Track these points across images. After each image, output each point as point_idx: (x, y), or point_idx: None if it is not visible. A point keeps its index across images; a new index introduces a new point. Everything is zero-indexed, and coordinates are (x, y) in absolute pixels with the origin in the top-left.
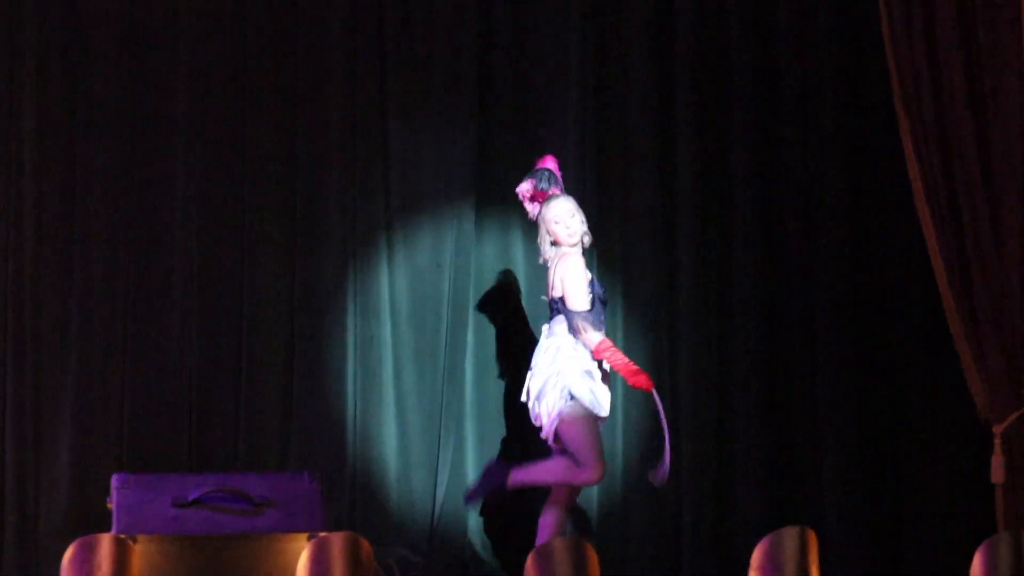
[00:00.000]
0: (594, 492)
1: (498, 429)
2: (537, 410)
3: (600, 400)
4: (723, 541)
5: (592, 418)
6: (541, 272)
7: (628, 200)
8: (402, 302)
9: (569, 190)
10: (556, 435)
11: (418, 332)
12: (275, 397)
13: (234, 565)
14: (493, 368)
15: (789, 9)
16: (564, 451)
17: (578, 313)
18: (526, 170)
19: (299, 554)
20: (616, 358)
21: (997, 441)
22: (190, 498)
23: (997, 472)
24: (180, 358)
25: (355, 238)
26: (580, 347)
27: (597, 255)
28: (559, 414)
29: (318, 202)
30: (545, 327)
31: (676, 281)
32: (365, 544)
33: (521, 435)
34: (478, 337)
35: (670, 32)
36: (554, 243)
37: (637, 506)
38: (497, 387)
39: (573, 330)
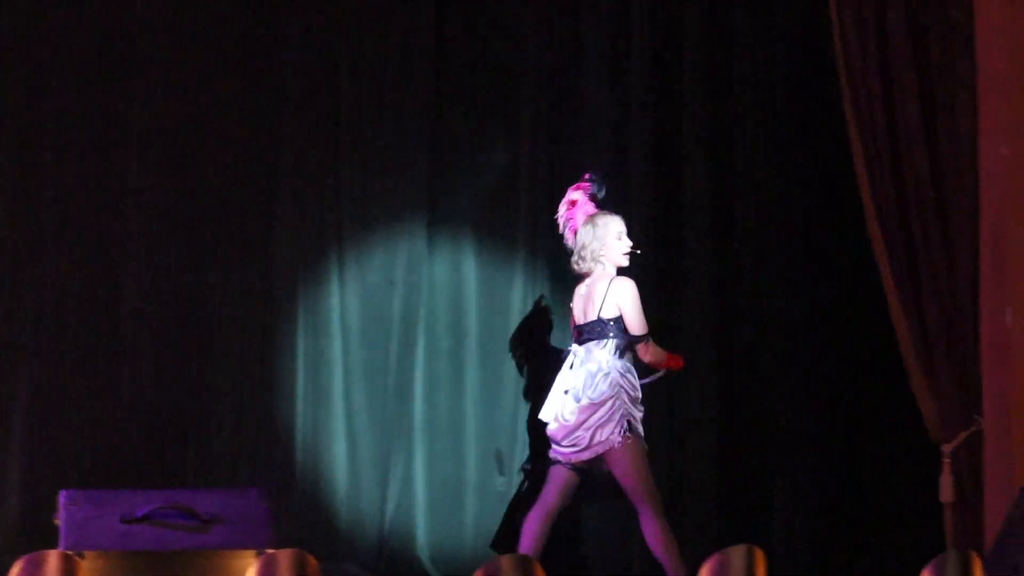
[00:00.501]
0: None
1: (448, 445)
2: (580, 435)
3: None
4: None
5: (644, 449)
6: (494, 290)
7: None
8: (352, 319)
9: (519, 208)
10: (594, 461)
11: (368, 349)
12: (225, 414)
13: None
14: (443, 384)
15: (744, 28)
16: (589, 474)
17: (642, 336)
18: (478, 188)
19: (246, 571)
20: (673, 359)
21: (946, 460)
22: (138, 514)
23: (946, 491)
24: (130, 375)
25: (306, 255)
26: (631, 372)
27: (549, 276)
28: (619, 444)
29: (269, 218)
30: (578, 349)
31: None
32: (312, 561)
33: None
34: (428, 354)
35: (625, 57)
36: (594, 260)
37: (587, 524)
38: (449, 403)
39: (624, 352)
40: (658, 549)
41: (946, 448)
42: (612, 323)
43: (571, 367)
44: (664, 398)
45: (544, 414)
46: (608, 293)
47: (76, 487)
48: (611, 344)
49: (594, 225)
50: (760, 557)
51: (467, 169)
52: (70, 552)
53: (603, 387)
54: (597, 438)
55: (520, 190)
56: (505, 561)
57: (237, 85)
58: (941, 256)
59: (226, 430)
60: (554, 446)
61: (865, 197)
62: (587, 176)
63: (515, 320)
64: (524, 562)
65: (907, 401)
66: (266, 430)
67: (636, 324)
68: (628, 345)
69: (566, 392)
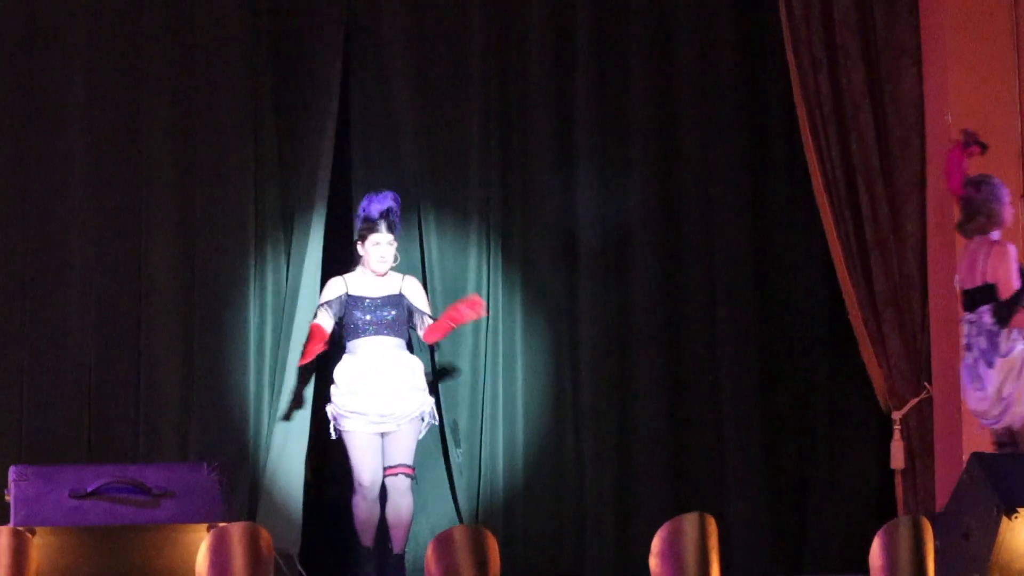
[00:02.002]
0: (500, 479)
1: None
2: (1003, 408)
3: None
4: (624, 528)
5: None
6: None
7: (529, 209)
8: (304, 292)
9: (472, 200)
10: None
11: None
12: (174, 389)
13: (133, 556)
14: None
15: None
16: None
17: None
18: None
19: (199, 545)
20: None
21: (897, 427)
22: (88, 489)
23: (897, 458)
24: (78, 349)
25: (256, 231)
26: None
27: (503, 262)
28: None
29: (218, 194)
30: (972, 316)
31: (577, 277)
32: (265, 534)
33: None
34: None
35: (571, 27)
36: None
37: (540, 493)
38: None
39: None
40: None
41: (896, 415)
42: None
43: None
44: (616, 370)
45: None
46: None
47: (26, 462)
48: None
49: (992, 195)
50: (712, 524)
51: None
52: (21, 528)
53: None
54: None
55: (471, 182)
56: (458, 531)
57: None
58: (888, 224)
59: (176, 405)
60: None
61: (811, 165)
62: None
63: (471, 289)
64: (476, 533)
65: (857, 369)
66: (216, 405)
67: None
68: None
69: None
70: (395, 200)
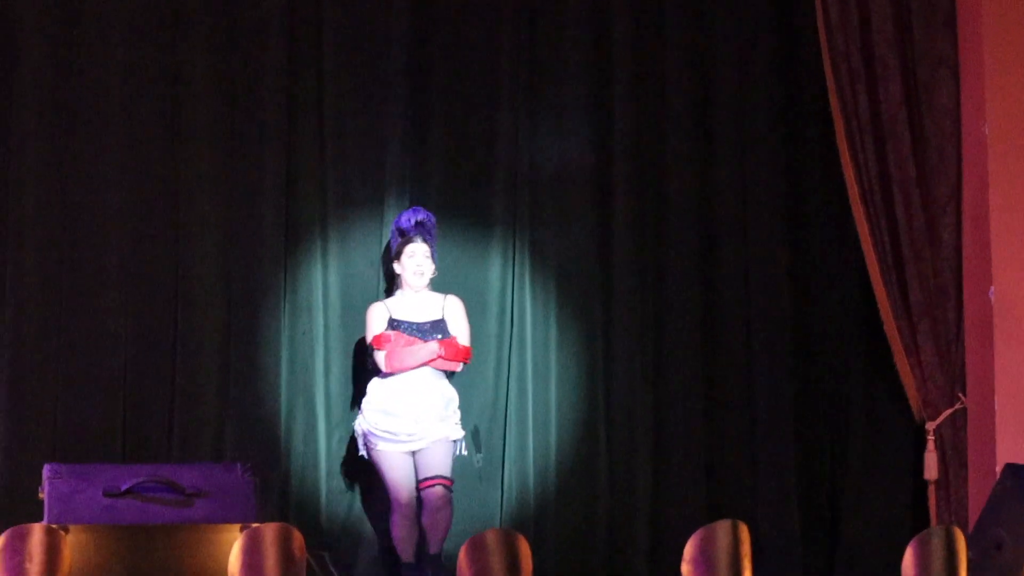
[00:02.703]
0: (530, 485)
1: None
2: None
3: None
4: (656, 534)
5: None
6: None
7: (564, 207)
8: (334, 298)
9: (503, 198)
10: None
11: (349, 329)
12: (209, 389)
13: (166, 555)
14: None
15: (726, 6)
16: None
17: None
18: (460, 170)
19: (231, 545)
20: None
21: (930, 438)
22: (122, 488)
23: (930, 468)
24: (113, 349)
25: (290, 234)
26: None
27: (529, 261)
28: None
29: (254, 197)
30: None
31: (612, 281)
32: (298, 535)
33: None
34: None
35: (606, 32)
36: None
37: (572, 499)
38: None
39: None
40: None
41: (930, 426)
42: None
43: None
44: (651, 379)
45: None
46: None
47: (60, 461)
48: None
49: None
50: (745, 531)
51: (449, 151)
52: (54, 526)
53: None
54: None
55: (501, 178)
56: (490, 534)
57: (223, 63)
58: (923, 234)
59: (210, 406)
60: None
61: (848, 176)
62: None
63: (493, 299)
64: (509, 536)
65: (891, 379)
66: (250, 406)
67: None
68: None
69: None
70: (427, 213)
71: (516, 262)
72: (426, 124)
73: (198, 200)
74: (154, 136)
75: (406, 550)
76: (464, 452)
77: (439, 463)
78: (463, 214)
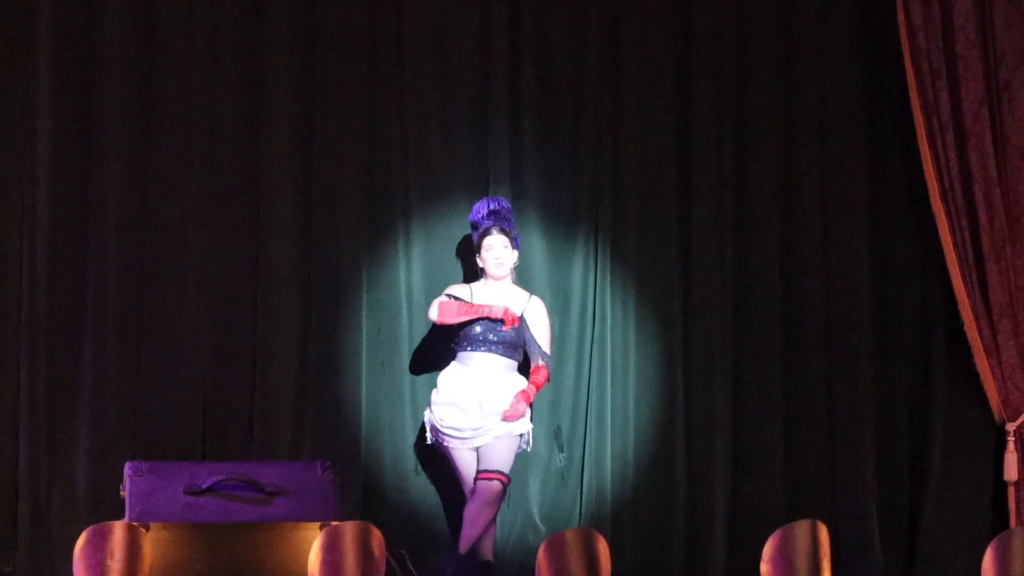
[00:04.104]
0: (607, 484)
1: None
2: None
3: None
4: (734, 534)
5: None
6: (556, 265)
7: (644, 207)
8: (417, 294)
9: (586, 191)
10: None
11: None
12: (289, 387)
13: (246, 553)
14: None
15: (809, 5)
16: None
17: None
18: (547, 162)
19: (311, 543)
20: None
21: (1011, 439)
22: (203, 486)
23: (1010, 470)
24: (194, 347)
25: (372, 229)
26: None
27: (611, 256)
28: None
29: (335, 192)
30: None
31: (691, 282)
32: (377, 533)
33: None
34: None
35: (689, 43)
36: None
37: (650, 498)
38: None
39: None
40: None
41: (1010, 427)
42: None
43: None
44: (730, 377)
45: None
46: None
47: (141, 459)
48: None
49: None
50: (824, 532)
51: (534, 143)
52: (135, 523)
53: None
54: None
55: (585, 170)
56: (569, 534)
57: (304, 60)
58: (1004, 234)
59: (290, 404)
60: None
61: (928, 175)
62: None
63: (576, 299)
64: (588, 536)
65: (971, 380)
66: (330, 404)
67: None
68: None
69: None
70: (500, 201)
71: (598, 262)
72: (509, 120)
73: (278, 200)
74: (234, 136)
75: (478, 546)
76: (529, 446)
77: (500, 459)
78: (547, 212)
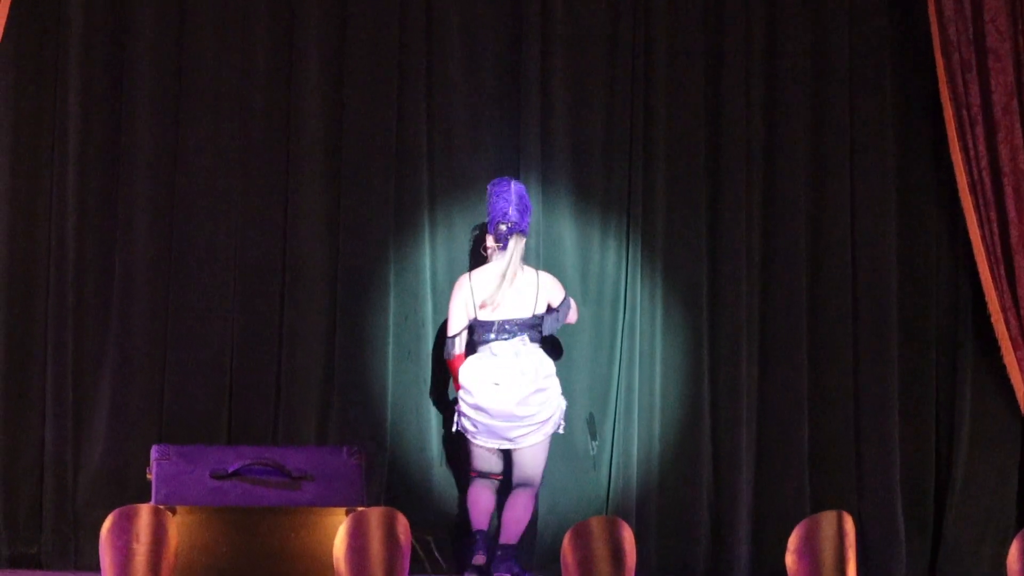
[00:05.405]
0: (633, 473)
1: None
2: None
3: None
4: (760, 524)
5: None
6: (588, 251)
7: (673, 193)
8: (442, 282)
9: (619, 178)
10: None
11: None
12: (315, 373)
13: (271, 537)
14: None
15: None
16: None
17: None
18: (573, 148)
19: (337, 528)
20: None
21: None
22: (229, 470)
23: None
24: (221, 331)
25: (397, 215)
26: None
27: (641, 236)
28: None
29: (361, 178)
30: None
31: (718, 269)
32: (403, 519)
33: None
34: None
35: (719, 33)
36: None
37: (675, 487)
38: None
39: None
40: None
41: None
42: None
43: None
44: (756, 369)
45: None
46: None
47: (167, 443)
48: None
49: None
50: (850, 523)
51: (560, 130)
52: (161, 506)
53: None
54: None
55: (616, 159)
56: (595, 522)
57: (332, 47)
58: None
59: (316, 389)
60: None
61: (957, 167)
62: None
63: (609, 282)
64: (613, 524)
65: (998, 373)
66: (356, 389)
67: None
68: None
69: None
70: (509, 181)
71: (630, 250)
72: (538, 107)
73: (306, 186)
74: (263, 122)
75: (481, 518)
76: (562, 428)
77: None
78: (576, 200)
